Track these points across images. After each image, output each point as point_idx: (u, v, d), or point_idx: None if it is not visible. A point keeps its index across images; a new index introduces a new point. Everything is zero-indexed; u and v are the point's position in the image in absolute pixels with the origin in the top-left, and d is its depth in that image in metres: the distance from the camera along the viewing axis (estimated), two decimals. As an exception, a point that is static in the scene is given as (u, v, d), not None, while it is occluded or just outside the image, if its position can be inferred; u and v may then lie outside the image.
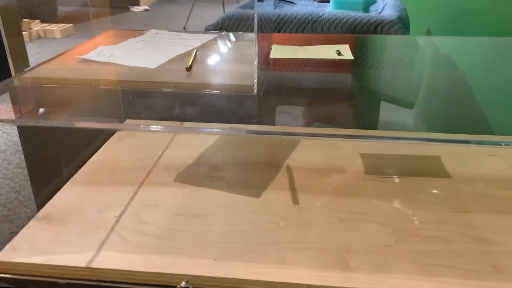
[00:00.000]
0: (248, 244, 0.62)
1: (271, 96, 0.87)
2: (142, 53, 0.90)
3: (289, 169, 0.80)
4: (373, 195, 0.73)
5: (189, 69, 0.80)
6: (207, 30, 1.85)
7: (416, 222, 0.66)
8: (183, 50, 0.89)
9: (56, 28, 4.23)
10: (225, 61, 0.99)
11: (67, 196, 0.74)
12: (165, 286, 0.58)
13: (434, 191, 0.74)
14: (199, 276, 0.57)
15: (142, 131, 0.93)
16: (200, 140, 0.91)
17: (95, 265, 0.59)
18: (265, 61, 0.99)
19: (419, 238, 0.63)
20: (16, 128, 2.71)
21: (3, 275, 0.59)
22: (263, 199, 0.72)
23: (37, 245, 0.63)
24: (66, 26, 4.31)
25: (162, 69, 0.86)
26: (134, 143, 0.90)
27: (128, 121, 1.00)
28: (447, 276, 0.57)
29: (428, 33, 2.32)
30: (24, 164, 2.35)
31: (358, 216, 0.68)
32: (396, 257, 0.60)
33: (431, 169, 0.80)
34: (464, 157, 0.84)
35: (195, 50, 0.89)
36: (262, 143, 0.91)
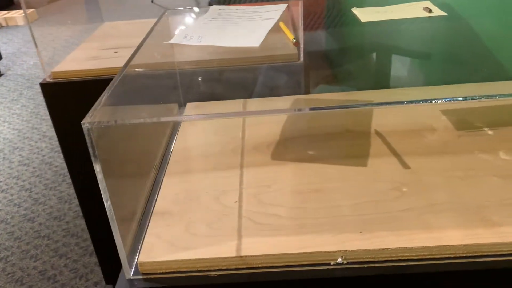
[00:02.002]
0: (384, 213, 0.63)
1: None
2: (233, 32, 0.86)
3: (379, 134, 0.81)
4: (476, 150, 0.74)
5: (298, 43, 0.78)
6: (212, 1, 1.79)
7: (533, 171, 0.68)
8: (269, 24, 0.86)
9: (17, 15, 4.00)
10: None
11: (173, 188, 0.72)
12: (319, 264, 0.58)
13: (533, 139, 0.76)
14: (354, 251, 0.57)
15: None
16: (273, 115, 0.90)
17: (244, 253, 0.58)
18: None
19: (544, 187, 0.65)
20: (11, 126, 2.58)
21: (151, 276, 0.58)
22: (372, 168, 0.72)
23: (173, 240, 0.61)
24: (28, 12, 4.07)
25: (267, 46, 0.84)
26: (210, 126, 0.88)
27: (189, 104, 0.97)
28: None
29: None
30: (28, 161, 2.27)
31: (474, 173, 0.69)
32: (533, 207, 0.61)
33: (516, 118, 0.82)
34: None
35: (282, 23, 0.86)
36: (337, 112, 0.90)
